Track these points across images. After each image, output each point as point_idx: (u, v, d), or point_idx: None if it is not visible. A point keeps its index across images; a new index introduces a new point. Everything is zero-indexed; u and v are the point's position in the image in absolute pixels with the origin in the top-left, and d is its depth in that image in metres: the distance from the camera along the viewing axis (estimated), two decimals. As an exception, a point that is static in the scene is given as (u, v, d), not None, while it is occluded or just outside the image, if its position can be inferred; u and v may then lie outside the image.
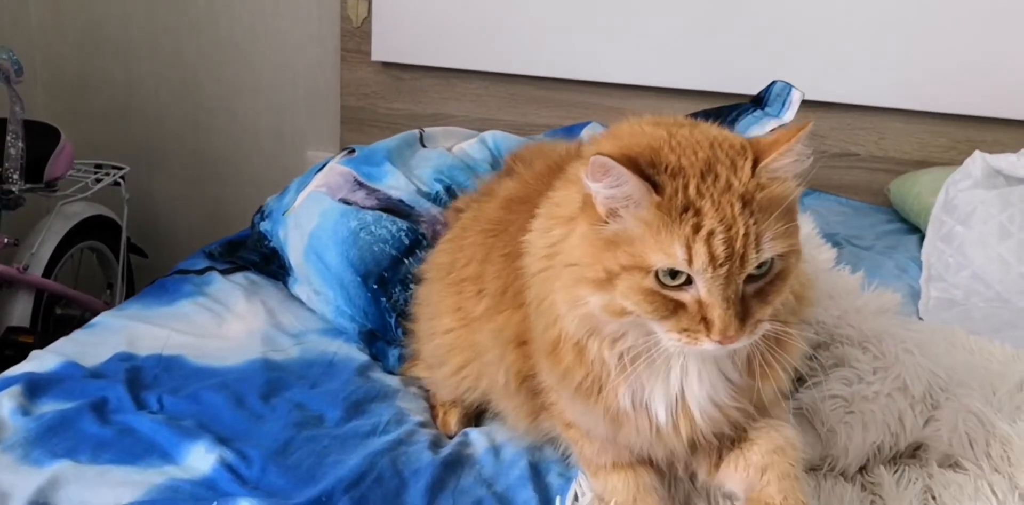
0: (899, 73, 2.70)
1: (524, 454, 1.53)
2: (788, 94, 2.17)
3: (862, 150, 2.86)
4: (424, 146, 2.23)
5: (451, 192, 2.06)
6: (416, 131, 2.27)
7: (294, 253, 2.03)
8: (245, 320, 1.97)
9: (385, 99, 3.11)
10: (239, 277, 2.16)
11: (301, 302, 2.06)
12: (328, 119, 3.20)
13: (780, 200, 1.04)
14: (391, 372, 1.82)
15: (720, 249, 0.98)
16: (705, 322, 1.01)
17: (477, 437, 1.60)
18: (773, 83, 2.20)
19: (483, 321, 1.43)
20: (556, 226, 1.17)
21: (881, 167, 2.86)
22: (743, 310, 1.02)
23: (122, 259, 2.93)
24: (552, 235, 1.17)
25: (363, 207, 1.96)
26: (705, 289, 1.01)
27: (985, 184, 2.34)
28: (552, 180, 1.29)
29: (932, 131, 2.80)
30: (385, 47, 3.01)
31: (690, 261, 0.99)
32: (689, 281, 1.02)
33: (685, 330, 1.03)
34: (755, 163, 1.04)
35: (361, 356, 1.86)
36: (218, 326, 1.94)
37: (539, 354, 1.25)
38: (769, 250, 1.01)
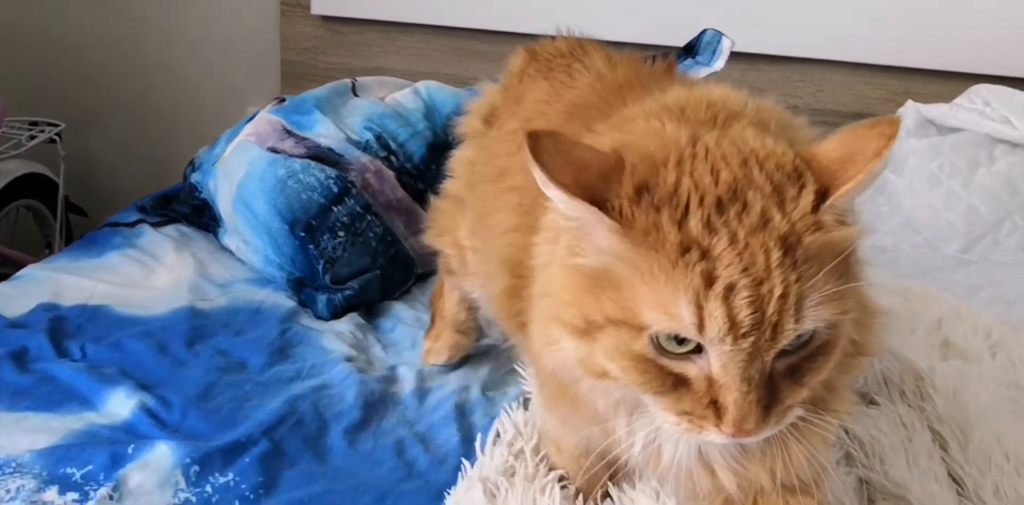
0: (838, 25, 2.70)
1: (451, 396, 1.55)
2: (718, 42, 2.16)
3: (801, 102, 2.86)
4: (356, 96, 2.20)
5: (381, 141, 2.04)
6: (348, 80, 2.24)
7: (223, 203, 2.01)
8: (173, 271, 1.95)
9: (325, 53, 3.07)
10: (170, 229, 2.14)
11: (231, 253, 2.05)
12: (268, 74, 3.15)
13: (838, 247, 0.76)
14: (320, 318, 1.82)
15: (744, 313, 0.72)
16: (715, 407, 0.77)
17: (405, 374, 1.61)
18: (703, 31, 2.19)
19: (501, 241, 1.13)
20: (547, 238, 0.91)
21: (820, 119, 2.86)
22: (768, 394, 0.77)
23: (59, 217, 2.88)
24: (541, 251, 0.92)
25: (291, 155, 1.94)
26: (720, 364, 0.75)
27: (917, 133, 2.36)
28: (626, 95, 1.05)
29: (871, 83, 2.80)
30: (324, 0, 2.97)
31: (701, 326, 0.73)
32: (698, 349, 0.76)
33: (687, 414, 0.79)
34: (820, 194, 0.77)
35: (289, 303, 1.86)
36: (146, 277, 1.93)
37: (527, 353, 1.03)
38: (814, 319, 0.74)
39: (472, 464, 1.28)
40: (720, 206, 0.75)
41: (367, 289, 1.87)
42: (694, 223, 0.75)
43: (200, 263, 1.99)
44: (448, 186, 1.51)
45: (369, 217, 1.92)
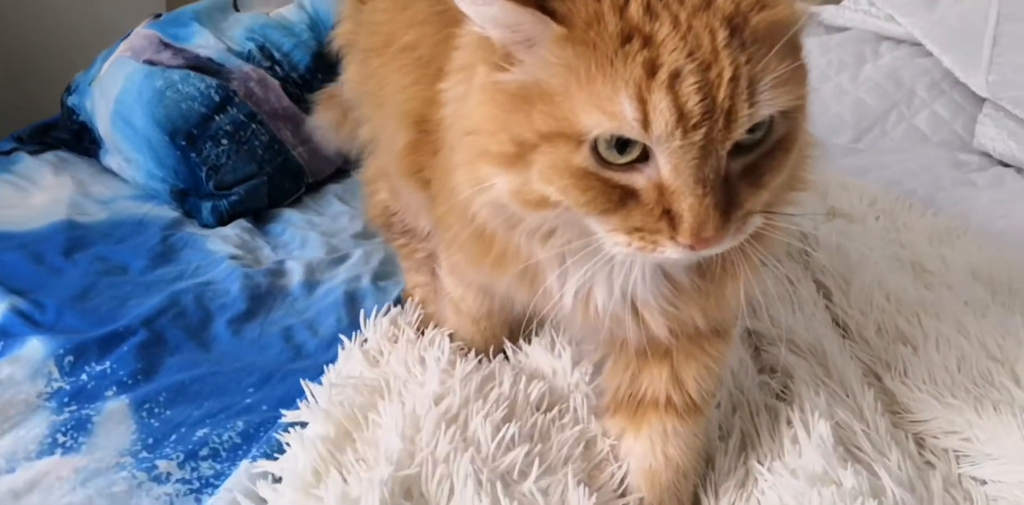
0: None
1: (341, 286, 1.52)
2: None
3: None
4: (238, 11, 2.13)
5: (265, 51, 1.98)
6: (228, -5, 2.17)
7: (102, 122, 1.93)
8: (51, 191, 1.87)
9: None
10: (48, 156, 2.05)
11: (114, 174, 1.98)
12: (150, 2, 3.03)
13: (785, 26, 0.70)
14: (205, 225, 1.77)
15: (693, 101, 0.66)
16: (669, 217, 0.70)
17: (293, 268, 1.58)
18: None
19: (401, 96, 1.06)
20: (460, 79, 0.84)
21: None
22: (726, 198, 0.70)
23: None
24: (456, 93, 0.84)
25: (169, 66, 1.87)
26: (670, 166, 0.69)
27: (806, 33, 2.37)
28: None
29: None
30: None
31: (645, 121, 0.67)
32: (645, 156, 0.70)
33: (638, 230, 0.72)
34: None
35: (173, 214, 1.80)
36: (23, 198, 1.85)
37: (446, 211, 0.94)
38: (769, 103, 0.68)
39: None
40: None
41: (254, 195, 1.82)
42: (634, 8, 0.68)
43: (80, 184, 1.91)
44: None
45: (254, 125, 1.86)
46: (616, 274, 0.85)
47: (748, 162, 0.72)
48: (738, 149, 0.71)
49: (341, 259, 1.62)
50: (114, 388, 1.23)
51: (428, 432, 1.00)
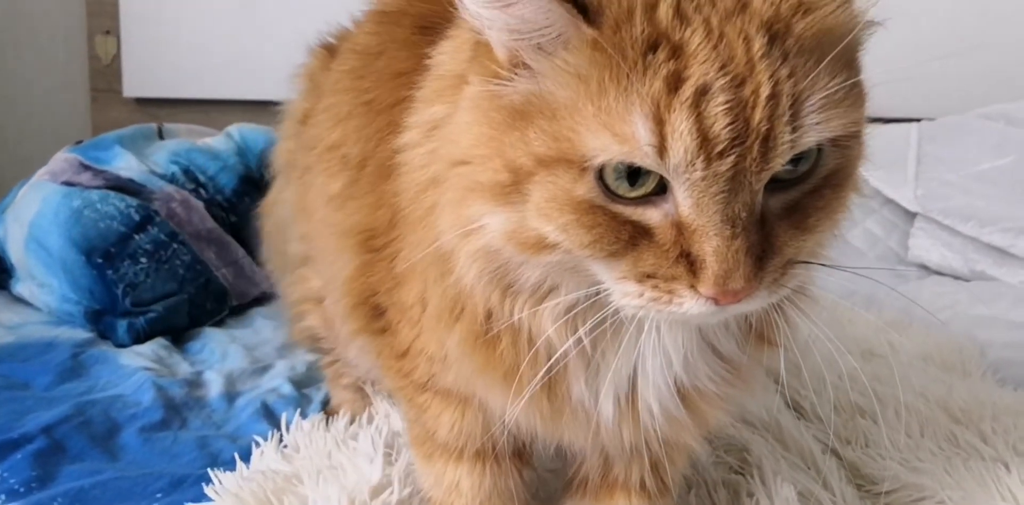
0: None
1: (263, 395, 1.42)
2: None
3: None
4: (163, 139, 2.11)
5: (189, 174, 1.94)
6: (154, 125, 2.15)
7: (14, 248, 1.85)
8: (-46, 322, 1.77)
9: (141, 137, 2.98)
10: (-45, 287, 1.96)
11: (25, 303, 1.88)
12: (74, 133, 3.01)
13: (838, 34, 0.59)
14: (121, 345, 1.66)
15: (722, 122, 0.55)
16: (689, 262, 0.59)
17: (212, 379, 1.48)
18: None
19: (337, 204, 0.94)
20: (438, 97, 0.72)
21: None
22: (761, 241, 0.59)
23: None
24: (432, 113, 0.72)
25: (88, 187, 1.82)
26: (691, 201, 0.57)
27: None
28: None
29: None
30: (137, 82, 2.90)
31: (662, 146, 0.56)
32: (662, 187, 0.59)
33: (650, 278, 0.60)
34: None
35: (86, 335, 1.70)
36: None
37: (435, 321, 0.79)
38: (817, 128, 0.57)
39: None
40: None
41: (174, 313, 1.73)
42: (664, 10, 0.57)
43: (-13, 313, 1.82)
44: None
45: (175, 245, 1.80)
46: (663, 347, 0.70)
47: (790, 200, 0.61)
48: (778, 184, 0.59)
49: (264, 369, 1.52)
50: (3, 496, 1.10)
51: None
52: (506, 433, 0.85)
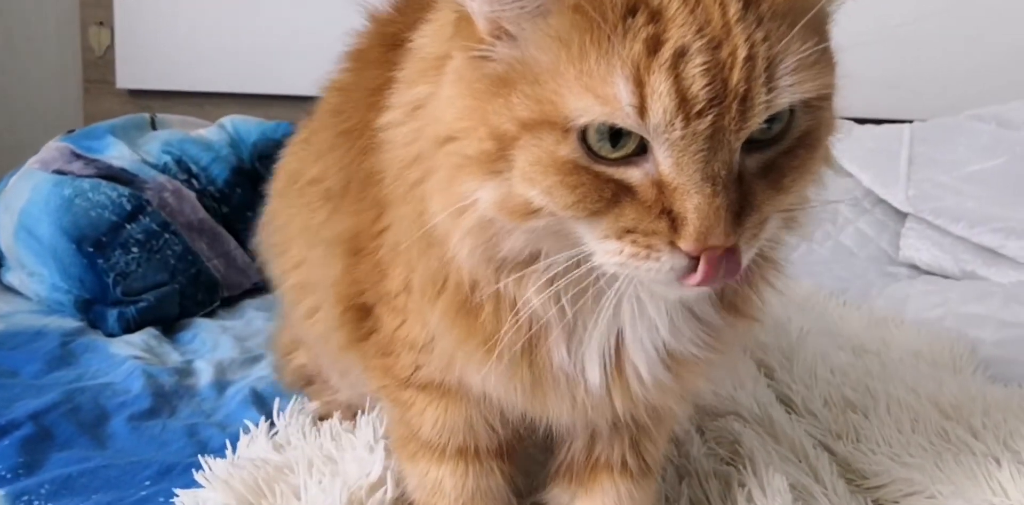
0: None
1: (253, 383, 1.42)
2: None
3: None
4: (155, 129, 2.11)
5: (182, 164, 1.94)
6: (147, 115, 2.15)
7: (4, 237, 1.85)
8: (-58, 308, 1.77)
9: (134, 129, 2.97)
10: (-56, 276, 1.95)
11: (15, 292, 1.87)
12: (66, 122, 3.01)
13: (809, 3, 0.61)
14: (111, 334, 1.65)
15: (700, 83, 0.57)
16: (671, 220, 0.59)
17: (202, 368, 1.47)
18: None
19: (323, 231, 0.95)
20: (421, 78, 0.72)
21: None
22: (740, 199, 0.60)
23: None
24: (415, 93, 0.73)
25: (80, 176, 1.81)
26: (671, 160, 0.59)
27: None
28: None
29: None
30: (131, 74, 2.90)
31: (642, 107, 0.57)
32: (643, 148, 0.60)
33: (630, 233, 0.61)
34: None
35: (75, 323, 1.69)
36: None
37: (418, 295, 0.80)
38: (791, 89, 0.59)
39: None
40: None
41: (164, 303, 1.73)
42: None
43: (-24, 301, 1.81)
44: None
45: (167, 235, 1.80)
46: (645, 313, 0.72)
47: (766, 160, 0.62)
48: (753, 145, 0.61)
49: (255, 359, 1.52)
50: (-11, 484, 1.10)
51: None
52: (488, 426, 0.88)
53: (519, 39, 0.62)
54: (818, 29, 0.62)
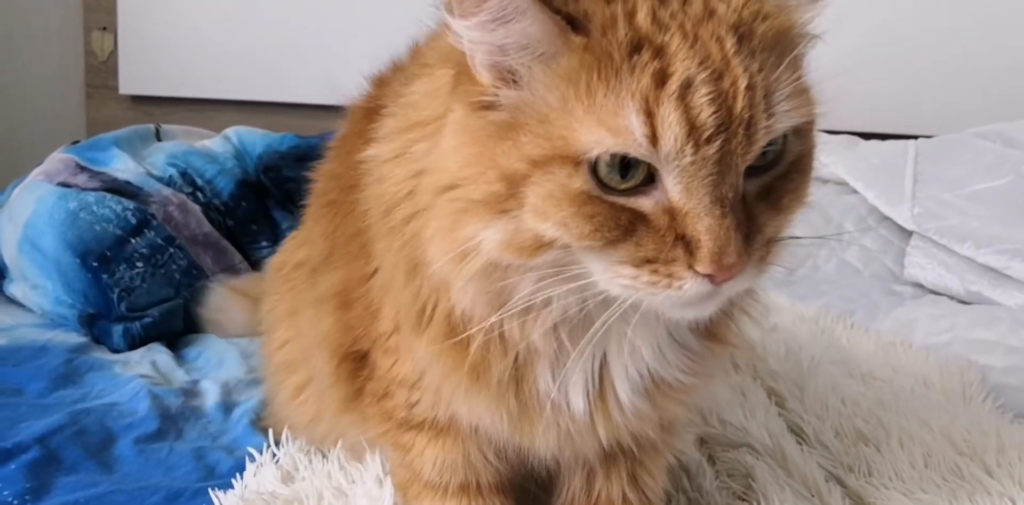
0: None
1: (258, 407, 1.40)
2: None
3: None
4: (160, 140, 2.10)
5: (187, 177, 1.93)
6: (151, 125, 2.14)
7: (7, 248, 1.84)
8: (-58, 321, 1.75)
9: (136, 135, 2.96)
10: (-55, 287, 1.93)
11: (18, 304, 1.86)
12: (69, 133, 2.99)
13: (790, 37, 0.67)
14: (116, 350, 1.65)
15: (707, 111, 0.60)
16: (685, 244, 0.62)
17: (208, 388, 1.46)
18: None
19: (311, 294, 0.99)
20: (418, 136, 0.75)
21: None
22: (747, 221, 0.64)
23: None
24: (413, 153, 0.75)
25: (85, 189, 1.80)
26: (681, 186, 0.62)
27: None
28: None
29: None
30: (134, 79, 2.89)
31: (653, 135, 0.60)
32: (651, 177, 0.63)
33: (650, 263, 0.63)
34: None
35: (79, 339, 1.68)
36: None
37: (405, 327, 0.82)
38: (787, 115, 0.63)
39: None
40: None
41: (169, 318, 1.72)
42: (642, 17, 0.63)
43: (-23, 314, 1.80)
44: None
45: (172, 249, 1.79)
46: (634, 338, 0.75)
47: (764, 184, 0.66)
48: (752, 170, 0.65)
49: (261, 379, 1.51)
50: (-4, 510, 1.09)
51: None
52: (486, 460, 0.90)
53: (526, 82, 0.65)
54: (799, 63, 0.68)
